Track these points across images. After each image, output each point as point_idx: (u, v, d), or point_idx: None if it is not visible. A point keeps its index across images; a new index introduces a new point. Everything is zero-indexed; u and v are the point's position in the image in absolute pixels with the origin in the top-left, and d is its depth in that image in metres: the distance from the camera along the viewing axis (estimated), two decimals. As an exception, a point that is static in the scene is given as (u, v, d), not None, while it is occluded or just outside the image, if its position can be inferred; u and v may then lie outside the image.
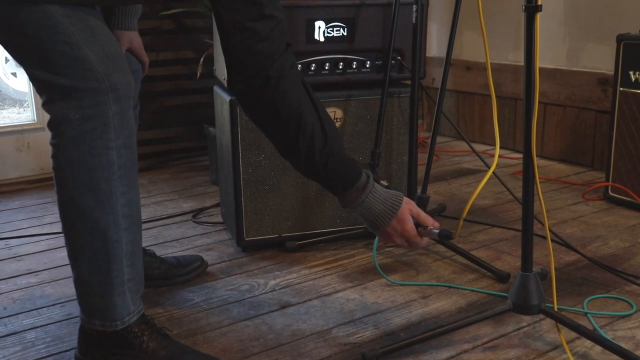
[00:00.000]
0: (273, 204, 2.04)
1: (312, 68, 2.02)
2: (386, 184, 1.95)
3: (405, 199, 1.44)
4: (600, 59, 2.77)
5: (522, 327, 1.60)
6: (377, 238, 1.81)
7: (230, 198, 2.06)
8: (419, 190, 2.03)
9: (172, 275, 1.86)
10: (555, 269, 1.92)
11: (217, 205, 2.46)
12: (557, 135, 3.00)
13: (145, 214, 2.41)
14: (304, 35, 1.99)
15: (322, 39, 2.00)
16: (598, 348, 1.49)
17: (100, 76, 1.26)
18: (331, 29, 2.01)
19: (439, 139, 3.10)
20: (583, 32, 2.85)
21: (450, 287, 1.82)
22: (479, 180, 2.77)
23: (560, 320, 1.48)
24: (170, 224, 2.34)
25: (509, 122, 3.21)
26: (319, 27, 2.00)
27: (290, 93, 1.32)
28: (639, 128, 2.31)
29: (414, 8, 1.95)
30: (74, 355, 1.46)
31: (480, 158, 2.16)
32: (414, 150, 2.05)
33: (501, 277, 1.84)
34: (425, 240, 1.46)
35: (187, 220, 2.37)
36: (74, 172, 1.29)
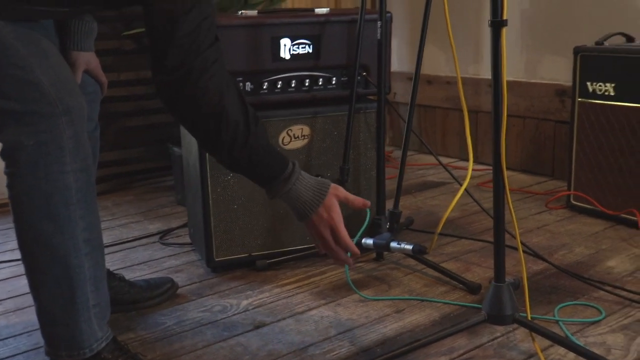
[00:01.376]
0: (242, 222, 2.03)
1: (279, 86, 2.02)
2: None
3: (333, 185, 1.43)
4: (558, 71, 2.83)
5: (496, 338, 1.61)
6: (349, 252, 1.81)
7: (199, 218, 2.04)
8: (389, 206, 2.04)
9: (142, 299, 1.83)
10: (521, 278, 1.95)
11: (184, 225, 2.44)
12: (517, 146, 3.05)
13: (110, 236, 2.37)
14: (270, 54, 1.99)
15: (287, 57, 2.01)
16: (571, 355, 1.51)
17: (53, 99, 1.24)
18: (297, 46, 2.01)
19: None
20: (540, 44, 2.91)
21: (423, 300, 1.82)
22: (444, 193, 2.81)
23: (534, 329, 1.50)
24: (137, 246, 2.30)
25: (471, 134, 3.25)
26: (285, 45, 2.00)
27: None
28: (598, 137, 2.36)
29: (379, 24, 1.97)
30: (45, 386, 1.42)
31: (450, 173, 2.19)
32: (382, 165, 2.06)
33: (472, 289, 1.86)
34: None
35: (154, 242, 2.33)
36: (31, 199, 1.27)
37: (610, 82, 2.31)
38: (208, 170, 1.96)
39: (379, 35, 1.98)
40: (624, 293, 1.81)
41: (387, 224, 1.67)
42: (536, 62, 2.93)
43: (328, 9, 2.12)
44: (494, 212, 1.50)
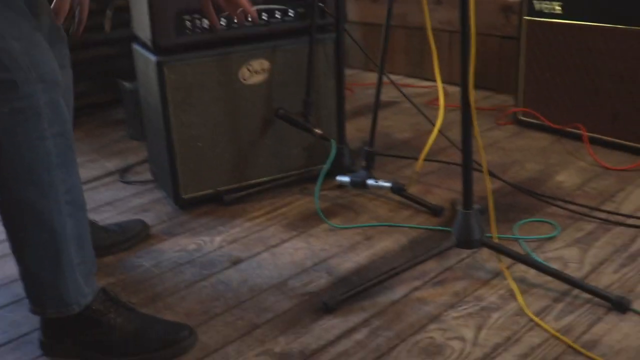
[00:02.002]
0: (207, 159, 2.05)
1: (236, 20, 1.99)
2: (321, 132, 2.00)
3: None
4: (502, -14, 2.87)
5: (463, 259, 1.72)
6: (319, 184, 1.86)
7: (163, 158, 2.04)
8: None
9: (116, 243, 1.85)
10: (483, 197, 2.05)
11: (143, 162, 2.43)
12: (463, 62, 3.11)
13: (69, 177, 2.35)
14: (225, -13, 1.95)
15: (242, -10, 1.98)
16: (532, 271, 1.63)
17: (27, 66, 1.22)
18: (251, -22, 1.98)
19: (348, 71, 3.15)
20: (483, -40, 2.93)
21: (390, 225, 1.91)
22: (396, 113, 2.87)
23: (500, 250, 1.61)
24: (98, 186, 2.30)
25: (417, 51, 3.30)
26: (239, -22, 1.96)
27: None
28: (545, 54, 2.44)
29: (334, -47, 1.96)
30: (37, 339, 1.45)
31: (406, 96, 2.24)
32: (342, 96, 2.10)
33: (435, 211, 1.95)
34: None
35: (115, 181, 2.33)
36: (12, 166, 1.26)
37: (557, 0, 2.37)
38: (170, 110, 1.96)
39: (334, -36, 1.97)
40: (574, 207, 1.94)
41: (364, 162, 1.71)
42: (480, -22, 2.95)
43: (280, -63, 2.09)
44: (462, 141, 1.56)
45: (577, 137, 2.39)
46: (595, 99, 2.34)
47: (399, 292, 1.60)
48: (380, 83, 1.89)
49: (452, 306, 1.53)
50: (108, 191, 2.25)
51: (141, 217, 2.02)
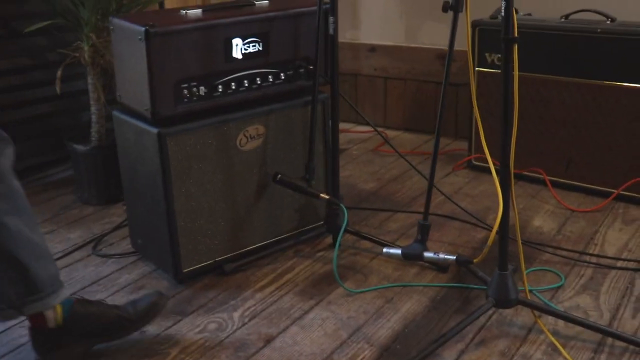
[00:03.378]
0: (206, 230, 1.97)
1: (232, 86, 1.95)
2: (328, 197, 2.00)
3: None
4: (438, 36, 3.01)
5: (491, 316, 1.78)
6: (336, 250, 1.85)
7: (158, 230, 1.94)
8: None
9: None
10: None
11: (112, 231, 2.29)
12: (399, 106, 3.22)
13: (34, 255, 2.16)
14: (223, 54, 1.90)
15: (240, 56, 1.94)
16: (561, 323, 1.73)
17: None
18: (248, 44, 1.94)
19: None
20: (419, 10, 3.05)
21: (405, 286, 1.94)
22: (348, 161, 2.89)
23: (537, 307, 1.69)
24: (72, 262, 2.13)
25: (349, 96, 3.37)
26: (237, 45, 1.92)
27: None
28: (496, 102, 2.59)
29: (331, 20, 1.97)
30: None
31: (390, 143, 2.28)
32: (337, 156, 2.11)
33: (442, 268, 2.00)
34: None
35: (89, 256, 2.17)
36: None
37: (506, 53, 2.52)
38: (172, 183, 1.87)
39: (331, 30, 1.98)
40: (564, 253, 2.07)
41: (419, 235, 1.72)
42: (416, 28, 3.08)
43: (267, 1, 2.07)
44: (502, 205, 1.62)
45: (534, 181, 2.56)
46: (550, 146, 2.52)
47: (448, 358, 1.63)
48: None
49: (505, 368, 1.59)
50: (86, 268, 2.09)
51: (138, 294, 1.90)
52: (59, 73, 2.37)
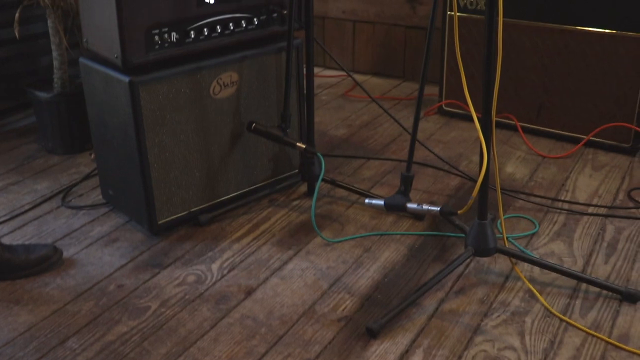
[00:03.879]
0: (180, 181, 1.93)
1: (205, 32, 1.88)
2: (304, 146, 1.97)
3: None
4: (408, -22, 2.96)
5: (468, 265, 1.80)
6: (314, 200, 1.84)
7: (131, 182, 1.90)
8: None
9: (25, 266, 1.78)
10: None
11: (80, 182, 2.23)
12: (367, 50, 3.17)
13: (0, 205, 2.10)
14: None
15: (212, 1, 1.86)
16: (537, 269, 1.76)
17: None
18: (220, -13, 1.87)
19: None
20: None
21: (382, 234, 1.94)
22: (320, 106, 2.85)
23: (514, 255, 1.72)
24: (42, 214, 2.07)
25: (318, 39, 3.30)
26: (209, -12, 1.85)
27: None
28: (469, 48, 2.57)
29: (306, -37, 1.91)
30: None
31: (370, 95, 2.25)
32: (311, 103, 2.07)
33: (418, 217, 2.01)
34: None
35: (58, 207, 2.11)
36: None
37: (480, -4, 2.50)
38: (145, 134, 1.82)
39: (306, -27, 1.91)
40: (538, 200, 2.10)
41: (402, 187, 1.70)
42: (386, -32, 3.02)
43: (238, -59, 1.98)
44: (481, 160, 1.62)
45: (505, 126, 2.56)
46: (522, 91, 2.52)
47: (429, 306, 1.65)
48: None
49: (485, 315, 1.62)
50: (57, 220, 2.04)
51: (112, 247, 1.89)
52: (16, 16, 2.25)
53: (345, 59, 3.22)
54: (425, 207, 1.59)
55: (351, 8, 3.12)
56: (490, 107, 1.57)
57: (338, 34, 3.21)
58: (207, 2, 1.86)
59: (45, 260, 1.79)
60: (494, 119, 1.58)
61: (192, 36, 1.86)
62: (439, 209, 1.56)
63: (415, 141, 1.74)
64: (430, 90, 2.96)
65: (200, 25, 1.87)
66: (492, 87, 1.56)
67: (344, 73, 3.07)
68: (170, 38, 1.83)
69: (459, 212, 1.57)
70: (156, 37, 1.80)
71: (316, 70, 3.25)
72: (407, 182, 1.70)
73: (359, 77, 3.15)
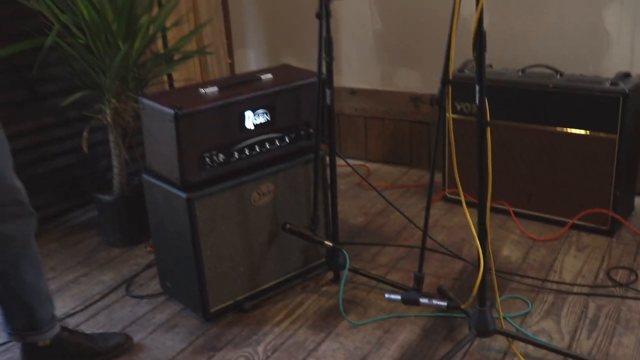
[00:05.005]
0: (227, 274, 2.31)
1: (246, 152, 2.28)
2: (331, 244, 2.35)
3: None
4: (411, 81, 3.38)
5: (472, 343, 2.15)
6: (341, 289, 2.19)
7: (187, 276, 2.27)
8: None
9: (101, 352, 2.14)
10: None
11: (139, 273, 2.60)
12: (378, 142, 3.58)
13: (73, 298, 2.48)
14: (237, 126, 2.24)
15: (251, 127, 2.27)
16: (530, 347, 2.10)
17: None
18: (257, 116, 2.28)
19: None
20: (393, 58, 3.41)
21: (399, 317, 2.30)
22: (339, 196, 3.21)
23: (511, 335, 2.07)
24: (110, 304, 2.44)
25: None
26: (249, 117, 2.26)
27: None
28: (466, 145, 2.96)
29: (328, 92, 2.31)
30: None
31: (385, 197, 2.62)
32: (335, 205, 2.46)
33: (428, 298, 2.37)
34: None
35: (123, 297, 2.49)
36: None
37: (473, 102, 2.89)
38: (199, 238, 2.20)
39: (328, 101, 2.32)
40: (530, 281, 2.46)
41: (415, 285, 2.08)
42: (391, 73, 3.44)
43: (270, 74, 2.40)
44: (480, 245, 1.98)
45: (500, 212, 2.94)
46: (513, 181, 2.91)
47: (440, 379, 2.00)
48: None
49: (487, 386, 1.96)
50: (123, 309, 2.41)
51: (172, 332, 2.25)
52: (85, 134, 2.68)
53: (359, 149, 3.63)
54: (435, 302, 1.96)
55: (362, 106, 3.54)
56: (485, 204, 1.95)
57: (352, 129, 3.62)
58: (248, 128, 2.26)
59: (120, 347, 2.15)
60: (488, 222, 1.95)
61: (236, 156, 2.27)
62: (446, 304, 1.92)
63: (425, 242, 2.12)
64: (436, 177, 3.37)
65: (243, 146, 2.27)
66: (485, 192, 1.94)
67: (359, 162, 3.50)
68: (218, 159, 2.23)
69: (462, 306, 1.93)
70: (207, 159, 2.20)
71: (333, 160, 3.66)
72: (419, 281, 2.07)
73: (371, 166, 3.56)
